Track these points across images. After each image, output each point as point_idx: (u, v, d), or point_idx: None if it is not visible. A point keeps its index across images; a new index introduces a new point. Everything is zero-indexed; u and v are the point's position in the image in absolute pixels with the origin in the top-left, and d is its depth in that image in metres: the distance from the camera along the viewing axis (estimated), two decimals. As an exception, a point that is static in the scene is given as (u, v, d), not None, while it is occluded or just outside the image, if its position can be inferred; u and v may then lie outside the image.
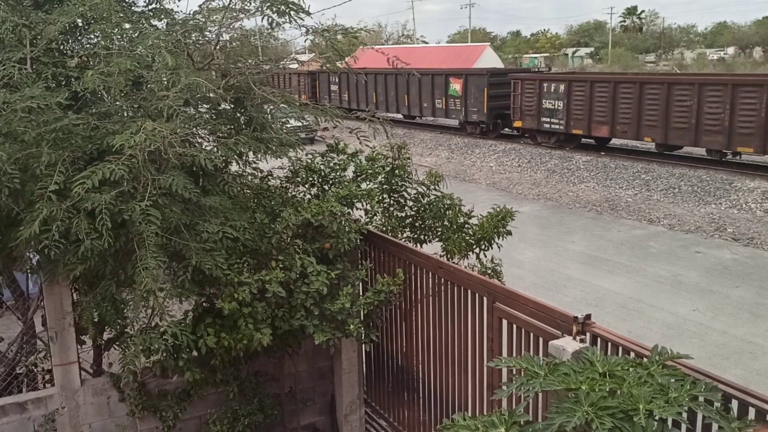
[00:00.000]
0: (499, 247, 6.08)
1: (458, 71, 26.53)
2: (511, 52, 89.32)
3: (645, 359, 3.05)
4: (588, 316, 3.69)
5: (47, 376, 5.47)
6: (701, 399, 2.80)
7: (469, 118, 25.23)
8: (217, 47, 5.02)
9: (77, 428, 5.32)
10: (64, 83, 4.66)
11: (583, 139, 21.54)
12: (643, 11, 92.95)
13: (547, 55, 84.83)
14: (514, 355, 4.16)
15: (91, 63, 4.75)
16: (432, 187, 6.25)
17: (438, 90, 26.20)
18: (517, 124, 22.97)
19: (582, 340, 3.60)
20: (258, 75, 5.19)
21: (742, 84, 16.69)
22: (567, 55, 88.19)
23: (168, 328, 4.48)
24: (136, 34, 4.78)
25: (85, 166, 4.15)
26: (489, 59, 51.64)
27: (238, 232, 4.61)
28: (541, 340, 3.99)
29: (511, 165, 21.92)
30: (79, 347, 5.30)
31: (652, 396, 2.68)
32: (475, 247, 6.08)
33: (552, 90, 21.36)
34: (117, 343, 5.47)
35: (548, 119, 21.62)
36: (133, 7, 5.15)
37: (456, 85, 25.44)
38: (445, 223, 6.15)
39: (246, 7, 4.86)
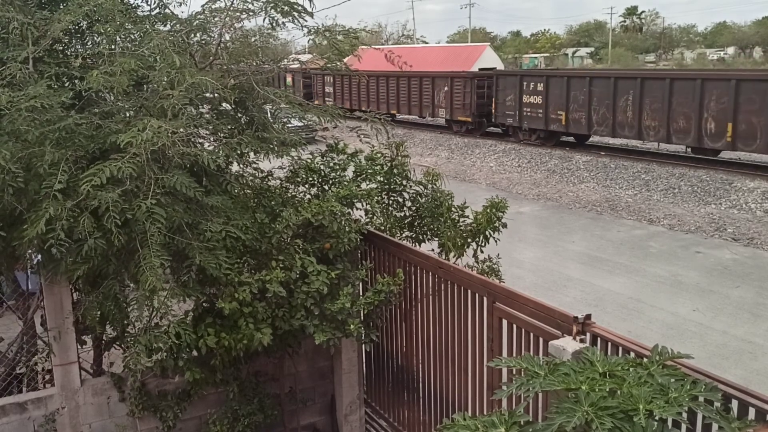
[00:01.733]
0: (495, 242, 6.07)
1: (290, 70, 35.23)
2: (511, 52, 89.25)
3: (645, 359, 3.05)
4: (588, 316, 3.70)
5: (47, 376, 5.47)
6: (701, 399, 2.80)
7: (293, 101, 37.86)
8: (220, 47, 5.03)
9: (77, 428, 5.32)
10: (66, 83, 4.67)
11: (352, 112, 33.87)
12: (643, 11, 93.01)
13: (547, 55, 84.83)
14: (514, 355, 4.16)
15: (95, 63, 4.76)
16: (430, 186, 6.25)
17: (282, 82, 35.86)
18: (316, 102, 36.48)
19: (582, 340, 3.60)
20: (261, 76, 5.20)
21: (401, 76, 28.68)
22: (567, 55, 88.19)
23: (172, 327, 4.50)
24: (140, 36, 4.79)
25: (87, 165, 4.16)
26: (489, 59, 51.55)
27: (240, 232, 4.62)
28: (541, 340, 3.99)
29: (511, 165, 21.93)
30: (79, 347, 5.30)
31: (652, 396, 2.68)
32: (471, 242, 6.07)
33: (329, 81, 34.33)
34: (117, 342, 5.48)
35: (328, 99, 33.73)
36: (137, 11, 5.16)
37: (289, 79, 36.90)
38: (441, 218, 6.15)
39: (249, 8, 4.88)
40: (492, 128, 25.62)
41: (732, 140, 16.71)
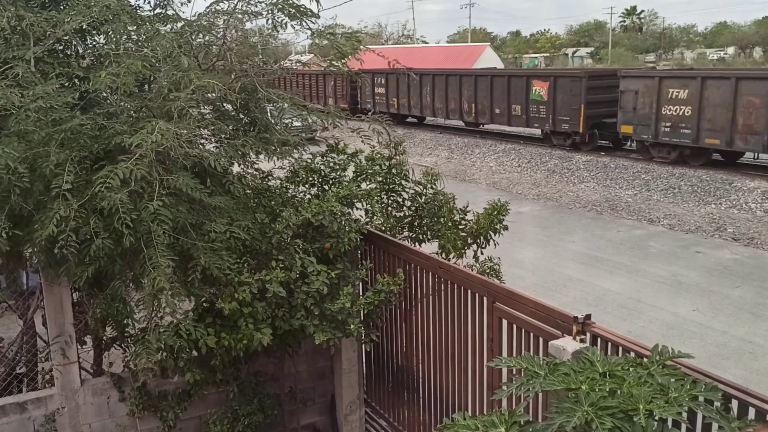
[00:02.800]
0: (495, 244, 6.08)
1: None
2: (511, 52, 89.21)
3: (645, 359, 3.05)
4: (588, 316, 3.70)
5: (47, 376, 5.47)
6: (701, 399, 2.80)
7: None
8: (224, 47, 5.04)
9: (77, 428, 5.32)
10: (68, 84, 4.67)
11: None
12: (642, 11, 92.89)
13: (547, 55, 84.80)
14: (514, 355, 4.17)
15: (97, 63, 4.76)
16: (429, 186, 6.25)
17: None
18: None
19: (582, 340, 3.61)
20: (263, 77, 5.21)
21: (306, 74, 31.71)
22: (567, 55, 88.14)
23: (182, 325, 4.52)
24: (144, 37, 4.80)
25: (91, 165, 4.16)
26: (489, 59, 51.65)
27: (243, 232, 4.63)
28: (541, 340, 3.99)
29: (511, 165, 21.94)
30: (79, 347, 5.30)
31: (652, 396, 2.68)
32: (471, 243, 6.08)
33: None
34: (117, 342, 5.48)
35: None
36: (138, 11, 5.16)
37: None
38: (441, 220, 6.16)
39: (254, 10, 4.89)
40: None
41: (475, 116, 25.51)
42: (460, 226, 6.14)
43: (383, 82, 30.14)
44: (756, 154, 18.30)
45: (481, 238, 6.06)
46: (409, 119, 30.72)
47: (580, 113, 20.75)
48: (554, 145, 22.31)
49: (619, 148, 21.44)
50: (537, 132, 23.93)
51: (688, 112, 17.76)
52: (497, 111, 24.11)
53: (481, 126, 27.10)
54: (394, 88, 29.62)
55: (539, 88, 22.24)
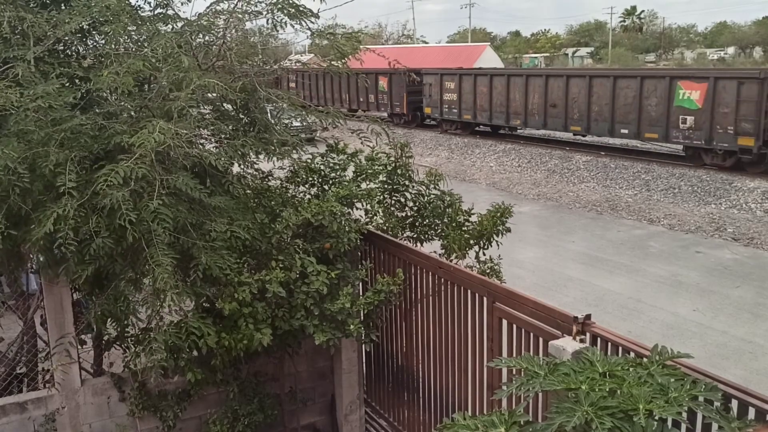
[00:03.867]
0: (498, 245, 6.08)
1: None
2: (511, 52, 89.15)
3: (645, 359, 3.05)
4: (588, 316, 3.70)
5: (47, 376, 5.47)
6: (701, 399, 2.80)
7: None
8: (224, 47, 5.04)
9: (77, 428, 5.32)
10: (69, 84, 4.67)
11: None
12: (642, 11, 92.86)
13: (547, 55, 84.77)
14: (514, 355, 4.17)
15: (97, 63, 4.77)
16: (432, 186, 6.25)
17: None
18: None
19: (582, 340, 3.61)
20: (263, 77, 5.21)
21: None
22: (567, 55, 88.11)
23: (186, 323, 4.53)
24: (144, 37, 4.79)
25: (91, 165, 4.16)
26: (489, 59, 51.63)
27: (244, 232, 4.63)
28: (541, 340, 3.99)
29: (511, 165, 21.94)
30: (79, 347, 5.31)
31: (652, 396, 2.68)
32: (474, 244, 6.09)
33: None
34: (117, 342, 5.48)
35: None
36: (139, 11, 5.17)
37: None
38: (445, 220, 6.16)
39: (254, 10, 4.90)
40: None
41: (350, 104, 32.98)
42: (464, 228, 6.14)
43: (294, 78, 38.20)
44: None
45: (484, 239, 6.07)
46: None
47: (404, 100, 29.76)
48: (395, 123, 29.84)
49: (440, 125, 28.21)
50: (385, 114, 31.36)
51: (455, 98, 26.63)
52: (362, 100, 32.68)
53: (356, 111, 33.12)
54: (314, 86, 36.80)
55: (383, 83, 30.76)
